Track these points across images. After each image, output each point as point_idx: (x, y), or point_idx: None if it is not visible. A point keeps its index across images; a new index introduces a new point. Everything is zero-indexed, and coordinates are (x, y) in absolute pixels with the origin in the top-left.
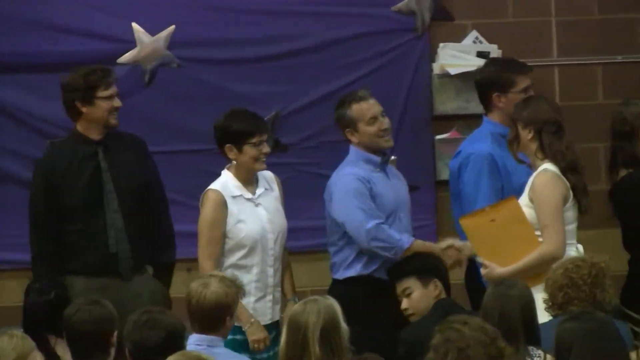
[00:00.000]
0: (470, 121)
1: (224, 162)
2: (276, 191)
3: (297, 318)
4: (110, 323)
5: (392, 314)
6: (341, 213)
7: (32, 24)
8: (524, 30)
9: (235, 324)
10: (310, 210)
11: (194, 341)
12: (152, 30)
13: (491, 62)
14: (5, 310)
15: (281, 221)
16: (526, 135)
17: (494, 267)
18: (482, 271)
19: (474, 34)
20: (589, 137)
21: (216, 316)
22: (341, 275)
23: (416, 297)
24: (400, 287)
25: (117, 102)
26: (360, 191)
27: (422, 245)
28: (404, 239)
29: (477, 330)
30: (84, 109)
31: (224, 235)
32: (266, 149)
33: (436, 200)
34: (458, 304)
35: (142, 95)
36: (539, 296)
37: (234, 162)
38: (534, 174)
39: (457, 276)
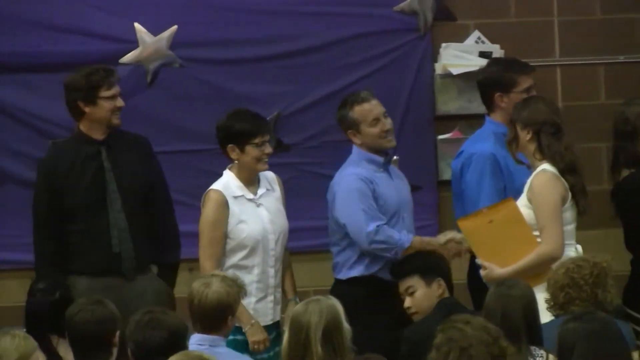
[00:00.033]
0: (472, 121)
1: (226, 162)
2: (277, 192)
3: (300, 318)
4: (112, 323)
5: (395, 314)
6: (343, 214)
7: (33, 24)
8: (526, 30)
9: (236, 324)
10: (313, 210)
11: (196, 341)
12: (155, 30)
13: (493, 62)
14: (5, 310)
15: (282, 222)
16: (525, 136)
17: (493, 268)
18: (482, 272)
19: (476, 34)
20: (591, 137)
21: (218, 316)
22: (344, 275)
23: (419, 295)
24: (404, 285)
25: (119, 102)
26: (362, 192)
27: (421, 241)
28: (404, 238)
29: (480, 330)
30: (86, 109)
31: (225, 236)
32: (268, 149)
33: (438, 200)
34: (461, 303)
35: (144, 95)
36: (541, 296)
37: (236, 162)
38: (533, 174)
39: (459, 276)
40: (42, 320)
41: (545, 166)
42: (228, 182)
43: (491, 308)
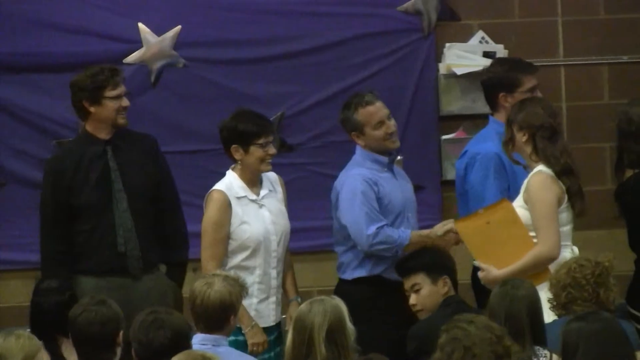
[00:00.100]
0: (476, 121)
1: (229, 162)
2: (280, 192)
3: (303, 318)
4: (116, 323)
5: (401, 314)
6: (345, 215)
7: (37, 24)
8: (530, 30)
9: (237, 325)
10: (317, 210)
11: (199, 341)
12: (159, 30)
13: (497, 62)
14: (9, 310)
15: (284, 223)
16: (521, 137)
17: (490, 270)
18: (479, 274)
19: (480, 34)
20: (595, 137)
21: (220, 315)
22: (349, 275)
23: (425, 293)
24: (409, 282)
25: (125, 102)
26: (365, 193)
27: (419, 235)
28: (403, 236)
29: (483, 329)
30: (92, 109)
31: (228, 237)
32: (272, 150)
33: (442, 200)
34: (465, 301)
35: (148, 95)
36: (543, 296)
37: (239, 162)
38: (529, 175)
39: (463, 276)
40: (50, 320)
41: (542, 167)
42: (231, 183)
43: (495, 308)
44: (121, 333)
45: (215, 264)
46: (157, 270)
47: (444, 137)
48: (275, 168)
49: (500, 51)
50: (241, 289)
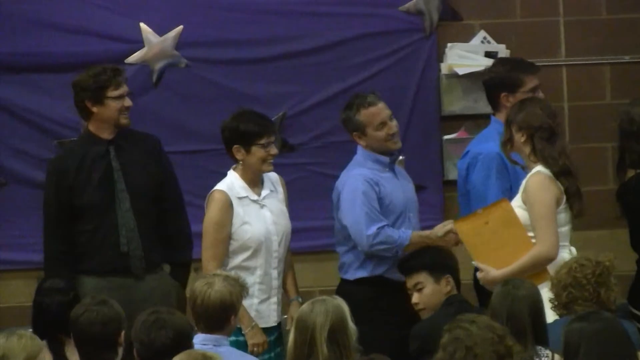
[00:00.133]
0: (478, 121)
1: (230, 162)
2: (280, 193)
3: (305, 318)
4: (117, 323)
5: (403, 314)
6: (346, 216)
7: (39, 24)
8: (532, 30)
9: (237, 325)
10: (318, 210)
11: (200, 341)
12: (160, 30)
13: (499, 62)
14: (9, 310)
15: (285, 223)
16: (519, 138)
17: (489, 270)
18: (478, 275)
19: (482, 34)
20: (597, 137)
21: (221, 315)
22: (351, 275)
23: (428, 292)
24: (412, 281)
25: (127, 102)
26: (366, 194)
27: (419, 236)
28: (403, 236)
29: (485, 329)
30: (94, 109)
31: (229, 237)
32: (274, 150)
33: (444, 200)
34: (468, 300)
35: (149, 95)
36: (544, 296)
37: (241, 162)
38: (527, 175)
39: (465, 276)
40: (52, 320)
41: (540, 168)
42: (232, 183)
43: (497, 307)
44: (123, 333)
45: (216, 264)
46: (161, 270)
47: (446, 137)
48: (276, 168)
49: (502, 51)
50: (241, 289)
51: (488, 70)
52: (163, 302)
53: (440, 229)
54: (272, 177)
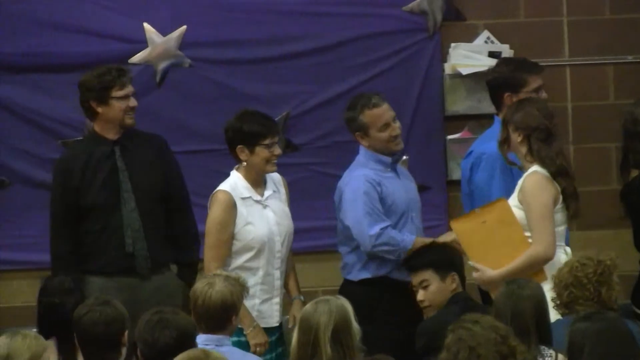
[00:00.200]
0: (482, 121)
1: (233, 162)
2: (283, 193)
3: (309, 318)
4: (121, 323)
5: (406, 314)
6: (348, 216)
7: (42, 24)
8: (535, 30)
9: (239, 325)
10: (321, 210)
11: (202, 341)
12: (164, 31)
13: (503, 62)
14: (11, 311)
15: (288, 223)
16: (516, 138)
17: (485, 270)
18: (474, 275)
19: (485, 34)
20: (600, 137)
21: (222, 315)
22: (355, 276)
23: (433, 289)
24: (417, 278)
25: (132, 102)
26: (369, 194)
27: (423, 242)
28: (406, 240)
29: (488, 329)
30: (99, 109)
31: (232, 237)
32: (278, 150)
33: (448, 200)
34: (473, 298)
35: (153, 95)
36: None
37: (244, 163)
38: (524, 175)
39: (469, 276)
40: (58, 320)
41: (537, 167)
42: (236, 183)
43: (501, 307)
44: (126, 333)
45: (218, 265)
46: (167, 271)
47: (450, 137)
48: (278, 168)
49: (506, 51)
50: (242, 289)
51: (491, 70)
52: (168, 302)
53: (445, 238)
54: (274, 178)
